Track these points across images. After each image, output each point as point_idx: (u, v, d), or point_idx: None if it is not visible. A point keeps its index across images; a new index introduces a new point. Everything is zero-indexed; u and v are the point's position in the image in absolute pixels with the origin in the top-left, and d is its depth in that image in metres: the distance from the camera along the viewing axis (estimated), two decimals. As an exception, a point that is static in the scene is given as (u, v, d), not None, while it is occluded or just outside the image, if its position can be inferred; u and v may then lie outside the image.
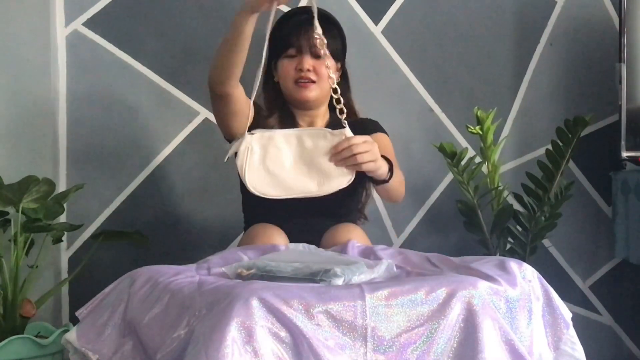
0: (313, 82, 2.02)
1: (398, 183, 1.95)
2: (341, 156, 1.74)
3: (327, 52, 1.81)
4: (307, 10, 2.10)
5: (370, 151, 1.74)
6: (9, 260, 2.17)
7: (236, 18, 1.77)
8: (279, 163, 1.76)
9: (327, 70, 1.82)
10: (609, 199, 2.66)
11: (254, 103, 1.91)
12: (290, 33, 2.04)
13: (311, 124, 2.10)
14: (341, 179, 1.76)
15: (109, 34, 2.46)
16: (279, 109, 2.09)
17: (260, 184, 1.76)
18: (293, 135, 1.78)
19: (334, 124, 2.07)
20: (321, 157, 1.75)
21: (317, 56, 2.00)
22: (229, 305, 1.36)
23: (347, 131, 1.76)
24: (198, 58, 2.49)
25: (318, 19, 1.96)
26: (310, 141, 1.77)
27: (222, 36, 1.82)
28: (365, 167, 1.76)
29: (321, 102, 2.08)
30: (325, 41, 1.77)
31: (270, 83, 2.11)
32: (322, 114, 2.12)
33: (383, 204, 2.62)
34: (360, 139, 1.74)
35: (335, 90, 1.78)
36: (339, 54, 2.09)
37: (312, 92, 2.03)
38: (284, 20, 2.10)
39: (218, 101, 1.93)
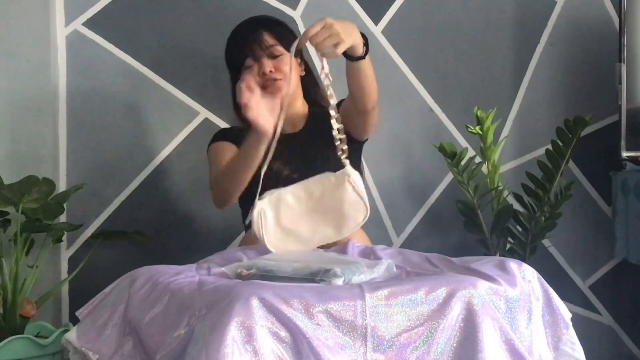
0: (279, 79, 2.01)
1: (371, 71, 1.87)
2: (317, 47, 1.70)
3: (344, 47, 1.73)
4: (249, 21, 2.14)
5: (331, 34, 1.68)
6: (9, 260, 2.17)
7: (251, 149, 1.80)
8: (294, 220, 1.77)
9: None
10: (609, 199, 2.66)
11: (227, 132, 2.08)
12: (240, 48, 2.06)
13: (294, 125, 2.10)
14: (356, 217, 1.80)
15: (109, 34, 2.46)
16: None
17: (281, 244, 1.77)
18: (300, 189, 1.80)
19: (314, 116, 2.09)
20: (331, 202, 1.78)
21: (273, 56, 2.03)
22: (229, 305, 1.37)
23: (349, 169, 1.79)
24: (198, 58, 2.49)
25: (263, 25, 2.08)
26: (318, 189, 1.79)
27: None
28: (338, 51, 1.70)
29: (294, 97, 2.09)
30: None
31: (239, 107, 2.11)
32: (300, 109, 2.13)
33: (383, 204, 2.62)
34: (315, 27, 1.69)
35: (335, 109, 1.81)
36: (296, 51, 2.08)
37: (282, 90, 1.98)
38: (230, 38, 2.13)
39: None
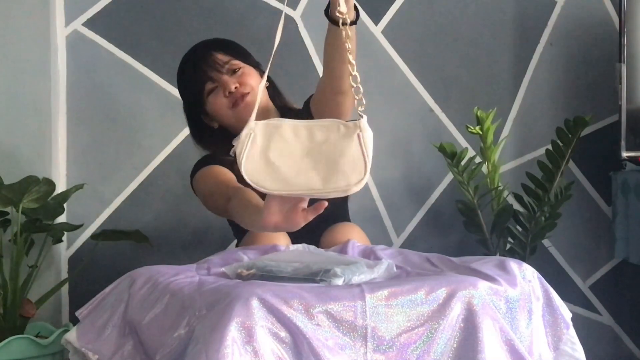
0: (247, 93, 1.96)
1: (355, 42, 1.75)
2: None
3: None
4: (194, 48, 2.06)
5: None
6: (9, 260, 2.17)
7: (255, 228, 1.71)
8: (283, 155, 1.54)
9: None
10: (609, 199, 2.66)
11: (212, 158, 1.99)
12: (196, 74, 1.99)
13: None
14: (350, 176, 1.52)
15: (109, 34, 2.46)
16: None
17: (257, 175, 1.54)
18: (303, 127, 1.57)
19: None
20: (331, 151, 1.54)
21: (232, 72, 1.98)
22: (229, 305, 1.36)
23: (364, 123, 1.55)
24: (198, 58, 2.49)
25: (211, 47, 2.00)
26: (322, 134, 1.56)
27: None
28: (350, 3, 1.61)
29: (267, 108, 2.03)
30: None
31: (210, 138, 2.06)
32: (274, 116, 2.01)
33: (383, 204, 2.62)
34: None
35: (354, 79, 1.58)
36: (254, 63, 2.05)
37: (254, 104, 1.93)
38: (184, 73, 2.06)
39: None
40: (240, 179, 1.85)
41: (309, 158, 1.53)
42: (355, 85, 1.56)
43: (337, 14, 1.58)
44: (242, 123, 1.95)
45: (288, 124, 1.57)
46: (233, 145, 1.83)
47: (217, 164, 1.99)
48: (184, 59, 2.07)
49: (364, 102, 1.56)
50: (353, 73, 1.57)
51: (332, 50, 1.73)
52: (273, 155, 1.54)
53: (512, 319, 1.54)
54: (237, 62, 1.99)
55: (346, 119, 1.91)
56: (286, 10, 1.64)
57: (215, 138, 2.06)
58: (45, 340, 2.08)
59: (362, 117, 1.55)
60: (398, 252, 1.83)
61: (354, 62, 1.58)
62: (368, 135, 1.55)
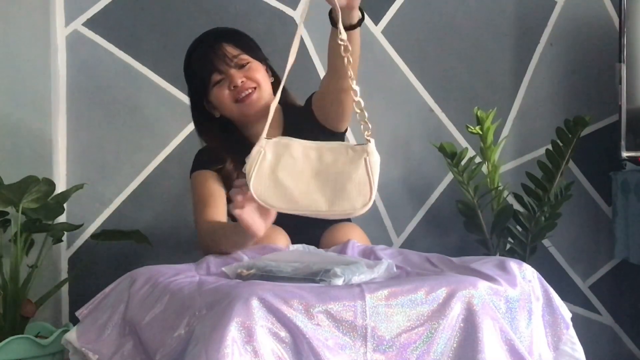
0: (254, 89, 1.96)
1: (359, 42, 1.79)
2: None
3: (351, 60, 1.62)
4: (203, 38, 2.04)
5: None
6: (9, 260, 2.17)
7: (239, 241, 1.76)
8: (291, 175, 1.59)
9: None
10: (609, 199, 2.66)
11: (209, 161, 1.99)
12: (203, 64, 1.98)
13: (274, 127, 1.96)
14: (355, 200, 1.57)
15: (109, 34, 2.46)
16: (229, 147, 2.01)
17: (265, 193, 1.59)
18: (312, 148, 1.61)
19: (288, 115, 2.05)
20: (339, 173, 1.58)
21: (240, 66, 1.97)
22: (229, 305, 1.36)
23: (371, 147, 1.59)
24: (198, 58, 2.49)
25: (221, 37, 1.99)
26: (331, 156, 1.60)
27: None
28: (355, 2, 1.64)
29: (269, 104, 2.02)
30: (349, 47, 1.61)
31: (210, 127, 2.06)
32: (276, 116, 2.01)
33: (383, 204, 2.62)
34: None
35: (357, 105, 1.61)
36: (262, 58, 2.05)
37: (259, 101, 1.96)
38: (189, 58, 2.04)
39: None
40: (227, 185, 1.92)
41: (317, 179, 1.58)
42: (359, 111, 1.58)
43: (339, 41, 1.59)
44: (244, 118, 1.97)
45: (298, 143, 1.61)
46: (232, 137, 1.85)
47: (212, 162, 2.00)
48: (194, 44, 2.05)
49: (370, 126, 1.58)
50: (356, 99, 1.59)
51: (335, 51, 1.71)
52: (282, 174, 1.59)
53: (512, 319, 1.54)
54: (246, 57, 1.99)
55: (348, 116, 1.93)
56: (301, 30, 1.65)
57: (214, 127, 2.06)
58: (45, 340, 2.08)
59: (369, 141, 1.58)
60: (398, 252, 1.83)
61: (356, 88, 1.60)
62: (375, 159, 1.58)
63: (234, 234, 1.78)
